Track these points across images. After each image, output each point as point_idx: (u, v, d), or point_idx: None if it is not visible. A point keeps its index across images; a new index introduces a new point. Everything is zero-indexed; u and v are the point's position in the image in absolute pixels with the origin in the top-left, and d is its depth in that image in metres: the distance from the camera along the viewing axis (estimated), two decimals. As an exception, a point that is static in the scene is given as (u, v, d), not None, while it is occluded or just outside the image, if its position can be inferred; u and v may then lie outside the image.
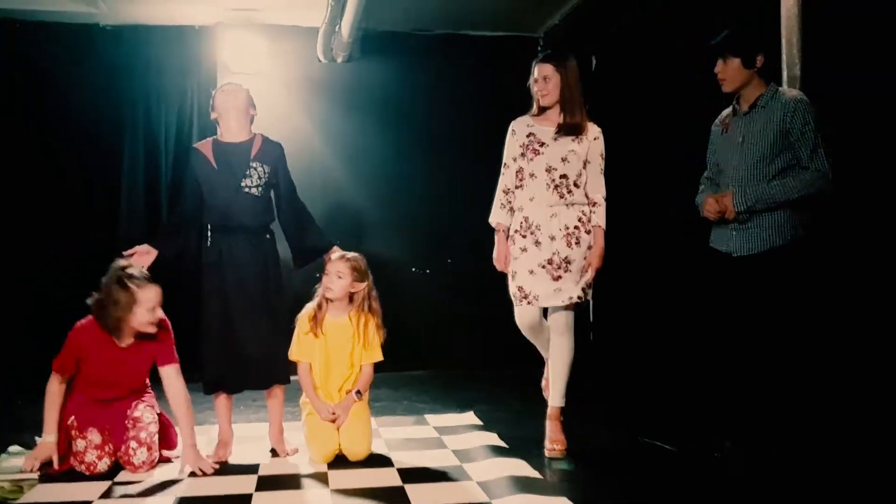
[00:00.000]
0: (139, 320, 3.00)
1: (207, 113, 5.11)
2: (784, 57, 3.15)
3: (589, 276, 3.31)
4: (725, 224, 2.99)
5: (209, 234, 3.32)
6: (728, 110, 3.11)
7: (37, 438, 3.16)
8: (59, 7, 5.07)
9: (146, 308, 2.99)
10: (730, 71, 2.96)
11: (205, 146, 3.32)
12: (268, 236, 3.33)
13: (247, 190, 3.24)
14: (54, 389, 3.07)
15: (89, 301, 3.03)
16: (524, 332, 3.40)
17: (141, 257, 3.19)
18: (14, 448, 3.37)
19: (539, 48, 5.65)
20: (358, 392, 3.28)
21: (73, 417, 3.08)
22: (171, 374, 3.13)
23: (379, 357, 3.34)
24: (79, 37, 5.28)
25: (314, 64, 5.59)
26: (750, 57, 2.92)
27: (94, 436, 3.02)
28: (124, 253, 3.20)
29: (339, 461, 3.19)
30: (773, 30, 3.16)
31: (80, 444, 3.02)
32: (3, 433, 3.60)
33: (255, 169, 3.26)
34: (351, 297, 3.32)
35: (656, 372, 4.19)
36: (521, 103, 3.45)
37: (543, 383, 3.57)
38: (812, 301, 2.88)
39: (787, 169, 2.87)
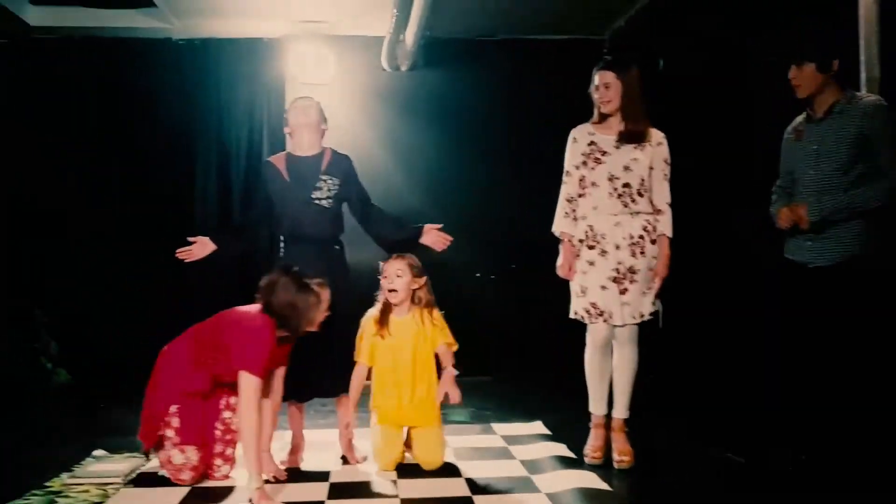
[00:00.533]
0: (318, 320, 3.07)
1: (276, 122, 5.29)
2: (862, 57, 3.04)
3: (656, 285, 3.27)
4: (801, 234, 2.91)
5: (281, 244, 3.43)
6: (801, 117, 3.01)
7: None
8: (135, 24, 5.34)
9: (323, 308, 3.07)
10: (804, 76, 2.87)
11: (279, 159, 3.43)
12: (337, 247, 3.43)
13: (317, 202, 3.33)
14: (256, 414, 2.86)
15: (268, 306, 2.97)
16: (593, 355, 3.33)
17: (200, 246, 3.30)
18: (98, 452, 3.51)
19: (604, 50, 5.58)
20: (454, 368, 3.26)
21: (176, 408, 3.02)
22: (280, 376, 3.18)
23: (451, 339, 3.33)
24: (154, 51, 5.49)
25: (379, 73, 5.67)
26: (825, 61, 2.83)
27: (192, 454, 3.03)
28: (189, 238, 3.30)
29: (409, 470, 3.23)
30: (851, 28, 3.05)
31: (176, 457, 3.02)
32: (89, 437, 3.77)
33: (325, 181, 3.35)
34: (412, 297, 3.35)
35: (727, 382, 4.09)
36: (587, 107, 3.41)
37: (587, 450, 3.32)
38: (891, 312, 2.78)
39: (864, 177, 2.77)
